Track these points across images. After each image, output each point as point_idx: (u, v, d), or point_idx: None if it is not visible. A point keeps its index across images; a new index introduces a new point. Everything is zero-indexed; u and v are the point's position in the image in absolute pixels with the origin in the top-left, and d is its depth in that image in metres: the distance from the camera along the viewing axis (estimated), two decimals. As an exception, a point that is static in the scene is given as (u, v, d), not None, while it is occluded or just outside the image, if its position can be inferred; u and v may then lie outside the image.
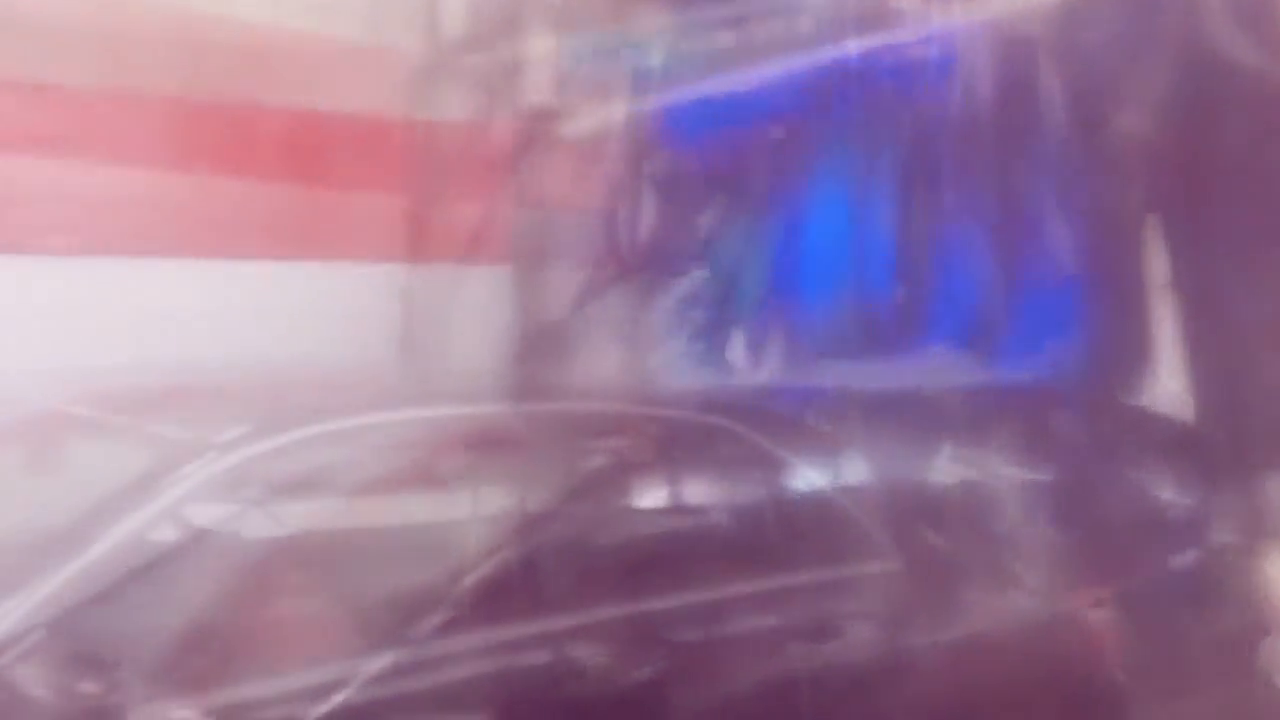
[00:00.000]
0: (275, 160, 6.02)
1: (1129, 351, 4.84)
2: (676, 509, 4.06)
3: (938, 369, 4.68)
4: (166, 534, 2.96)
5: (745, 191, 5.60)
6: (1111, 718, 4.08)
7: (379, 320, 6.60)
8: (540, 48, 6.53)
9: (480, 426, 3.68)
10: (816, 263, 5.17)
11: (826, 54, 5.12)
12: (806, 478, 3.97)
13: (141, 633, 2.92)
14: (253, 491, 3.17)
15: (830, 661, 3.75)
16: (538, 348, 4.79)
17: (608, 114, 7.27)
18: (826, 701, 3.67)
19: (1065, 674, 3.95)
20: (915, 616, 3.79)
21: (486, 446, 3.69)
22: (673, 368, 5.18)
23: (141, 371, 3.58)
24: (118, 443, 3.17)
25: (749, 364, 5.23)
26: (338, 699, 3.04)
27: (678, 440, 4.09)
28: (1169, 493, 4.47)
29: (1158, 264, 4.84)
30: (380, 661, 3.13)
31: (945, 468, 4.34)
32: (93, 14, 5.11)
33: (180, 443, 3.09)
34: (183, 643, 2.99)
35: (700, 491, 4.11)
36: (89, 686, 2.69)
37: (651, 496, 4.07)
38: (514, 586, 3.37)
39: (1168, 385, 4.76)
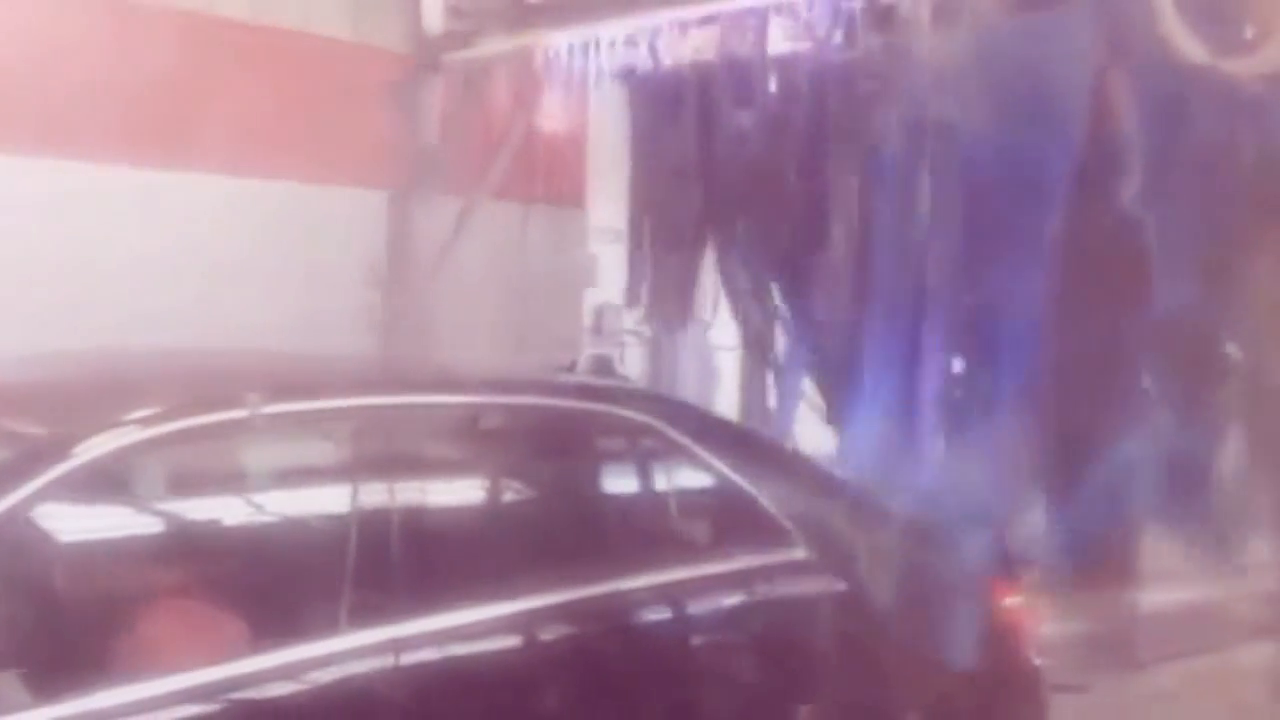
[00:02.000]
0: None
1: None
2: (592, 501, 3.99)
3: None
4: (20, 532, 2.90)
5: None
6: (1029, 704, 3.99)
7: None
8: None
9: (394, 418, 3.60)
10: None
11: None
12: (724, 474, 3.86)
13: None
14: (116, 488, 3.13)
15: (740, 653, 3.67)
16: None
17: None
18: (738, 689, 3.62)
19: (984, 661, 3.85)
20: (827, 607, 3.71)
21: (396, 438, 3.62)
22: None
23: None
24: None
25: None
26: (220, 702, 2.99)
27: (600, 434, 4.02)
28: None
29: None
30: (268, 660, 3.08)
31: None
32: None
33: (36, 439, 3.03)
34: (45, 645, 2.96)
35: (621, 484, 4.06)
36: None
37: (568, 489, 4.00)
38: (416, 581, 3.30)
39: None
